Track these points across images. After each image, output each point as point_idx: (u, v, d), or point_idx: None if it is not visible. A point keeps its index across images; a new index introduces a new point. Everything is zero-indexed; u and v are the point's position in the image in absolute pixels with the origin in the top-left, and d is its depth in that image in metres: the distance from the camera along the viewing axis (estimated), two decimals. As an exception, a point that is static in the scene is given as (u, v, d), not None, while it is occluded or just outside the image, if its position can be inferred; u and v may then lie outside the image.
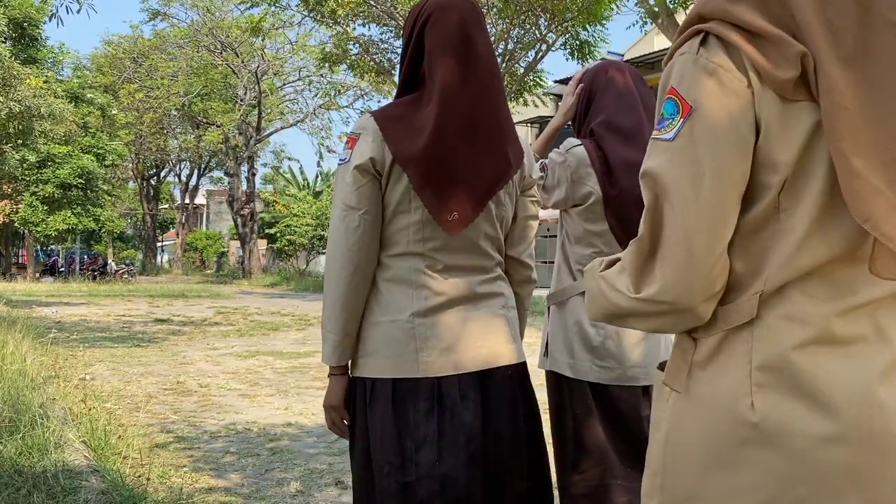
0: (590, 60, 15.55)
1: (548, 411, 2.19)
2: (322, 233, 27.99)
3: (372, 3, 15.58)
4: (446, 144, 1.57)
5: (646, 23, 13.78)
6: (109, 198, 28.41)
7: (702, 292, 0.95)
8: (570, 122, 2.39)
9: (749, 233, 0.95)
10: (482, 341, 1.65)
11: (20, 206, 24.93)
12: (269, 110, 30.93)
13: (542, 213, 2.17)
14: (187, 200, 39.10)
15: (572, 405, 2.17)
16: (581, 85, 2.29)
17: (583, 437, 2.14)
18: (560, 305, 2.24)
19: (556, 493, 1.85)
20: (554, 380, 2.23)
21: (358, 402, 1.66)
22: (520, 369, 1.72)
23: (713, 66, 0.93)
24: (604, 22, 15.06)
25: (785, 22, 0.91)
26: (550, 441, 2.10)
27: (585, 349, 2.15)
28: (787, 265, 0.92)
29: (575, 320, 2.18)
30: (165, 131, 32.30)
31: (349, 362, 1.69)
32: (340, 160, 1.65)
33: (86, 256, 30.19)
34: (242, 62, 28.67)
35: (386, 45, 17.80)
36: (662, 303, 0.97)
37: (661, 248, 0.97)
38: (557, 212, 2.30)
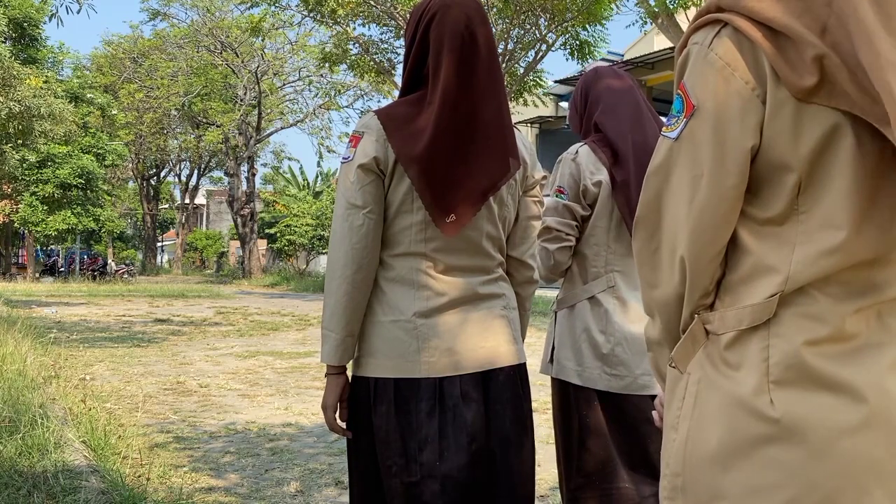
0: (589, 60, 15.55)
1: (544, 413, 2.17)
2: (322, 233, 27.97)
3: (372, 3, 15.57)
4: (447, 145, 1.57)
5: (646, 23, 13.77)
6: (109, 198, 28.43)
7: (692, 294, 0.98)
8: (568, 124, 2.39)
9: (769, 234, 0.94)
10: (483, 342, 1.65)
11: (20, 206, 24.93)
12: (269, 110, 30.92)
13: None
14: (187, 200, 39.09)
15: (578, 409, 2.15)
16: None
17: (589, 441, 2.13)
18: (568, 311, 2.21)
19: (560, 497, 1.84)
20: (560, 386, 2.21)
21: (361, 401, 1.65)
22: (521, 370, 1.71)
23: (721, 64, 0.91)
24: (604, 22, 15.05)
25: (818, 14, 0.86)
26: (553, 445, 2.08)
27: (595, 356, 2.12)
28: (810, 268, 0.90)
29: (584, 327, 2.15)
30: (165, 131, 32.29)
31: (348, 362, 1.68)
32: (344, 158, 1.64)
33: (86, 256, 30.15)
34: (242, 62, 28.66)
35: (386, 45, 17.80)
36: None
37: (660, 248, 1.00)
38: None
